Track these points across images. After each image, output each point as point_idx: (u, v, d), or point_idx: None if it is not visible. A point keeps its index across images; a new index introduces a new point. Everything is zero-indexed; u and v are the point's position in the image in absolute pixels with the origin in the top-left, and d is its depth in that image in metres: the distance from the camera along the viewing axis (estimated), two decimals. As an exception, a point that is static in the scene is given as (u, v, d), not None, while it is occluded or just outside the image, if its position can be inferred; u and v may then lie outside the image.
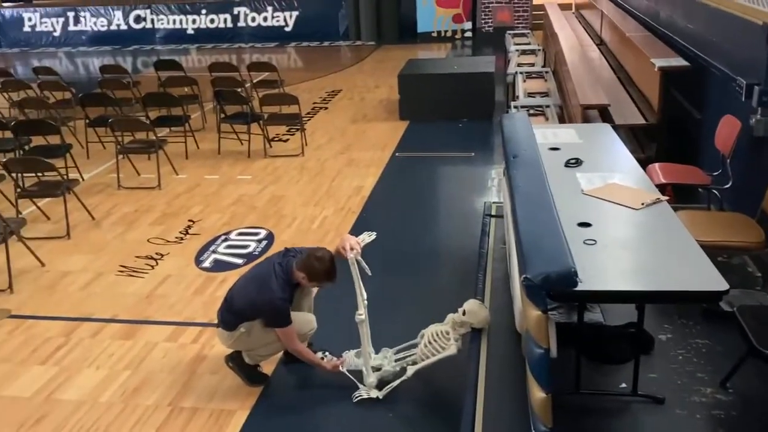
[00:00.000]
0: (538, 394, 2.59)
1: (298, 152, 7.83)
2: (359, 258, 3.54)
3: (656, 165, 4.75)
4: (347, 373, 3.68)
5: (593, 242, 2.81)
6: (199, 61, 14.22)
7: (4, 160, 6.40)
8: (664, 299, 2.93)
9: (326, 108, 9.92)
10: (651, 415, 2.96)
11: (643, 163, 4.18)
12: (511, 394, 3.17)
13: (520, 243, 2.67)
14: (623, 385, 3.11)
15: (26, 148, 7.19)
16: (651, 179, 3.74)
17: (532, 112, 6.22)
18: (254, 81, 9.56)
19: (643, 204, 3.18)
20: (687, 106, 6.28)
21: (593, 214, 3.10)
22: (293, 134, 8.42)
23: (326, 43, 15.49)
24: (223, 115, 8.11)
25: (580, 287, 2.44)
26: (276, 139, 8.31)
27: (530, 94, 7.17)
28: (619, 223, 3.07)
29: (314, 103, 10.13)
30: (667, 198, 3.33)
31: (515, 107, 6.55)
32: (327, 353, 3.82)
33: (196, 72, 10.23)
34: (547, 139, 4.17)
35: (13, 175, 6.12)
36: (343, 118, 9.28)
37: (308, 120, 9.09)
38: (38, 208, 6.30)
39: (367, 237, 3.67)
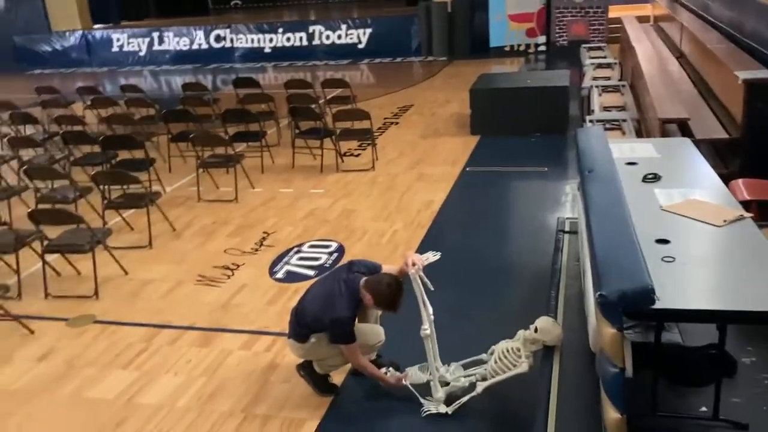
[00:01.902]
0: (612, 415, 2.51)
1: (370, 167, 7.92)
2: (421, 274, 3.55)
3: (740, 181, 4.56)
4: (411, 388, 3.69)
5: (672, 259, 2.73)
6: (276, 78, 14.60)
7: (93, 173, 6.75)
8: (747, 320, 2.80)
9: (397, 123, 10.00)
10: (734, 442, 2.83)
11: (726, 179, 4.02)
12: (584, 414, 3.09)
13: (595, 259, 2.62)
14: (703, 408, 2.98)
15: (113, 162, 7.56)
16: (734, 196, 3.60)
17: (608, 126, 6.09)
18: (328, 97, 9.74)
19: (725, 221, 3.06)
20: (774, 120, 6.00)
21: (672, 230, 3.01)
22: (365, 149, 8.52)
23: (398, 59, 15.63)
24: (297, 131, 8.30)
25: (657, 305, 2.37)
26: (348, 154, 8.43)
27: (606, 108, 7.03)
28: (699, 240, 2.96)
29: (385, 118, 10.23)
30: (751, 215, 3.20)
31: (590, 121, 6.43)
32: (391, 369, 3.83)
33: (272, 89, 10.50)
34: (623, 154, 4.07)
35: (101, 187, 6.44)
36: (414, 133, 9.33)
37: (379, 135, 9.18)
38: (123, 219, 6.60)
39: (432, 256, 3.67)
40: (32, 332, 4.81)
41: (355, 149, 8.64)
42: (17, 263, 5.38)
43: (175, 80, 15.28)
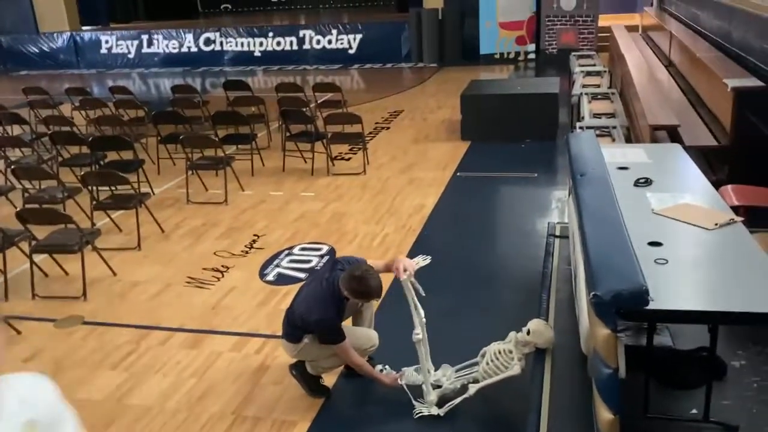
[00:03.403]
0: (605, 415, 2.53)
1: (360, 171, 7.92)
2: (413, 279, 3.55)
3: (729, 187, 4.61)
4: (405, 388, 3.68)
5: (665, 261, 2.75)
6: (266, 82, 14.60)
7: (81, 173, 6.71)
8: (739, 321, 2.82)
9: (388, 128, 10.01)
10: (724, 444, 2.85)
11: (715, 186, 4.06)
12: (576, 416, 3.10)
13: (589, 260, 2.63)
14: (694, 411, 3.00)
15: (101, 162, 7.51)
16: (723, 201, 3.63)
17: (598, 133, 6.13)
18: (319, 101, 9.74)
19: (716, 224, 3.09)
20: (762, 128, 6.08)
21: (664, 233, 3.03)
22: (356, 153, 8.52)
23: (389, 65, 15.67)
24: (288, 134, 8.28)
25: (651, 306, 2.39)
26: (339, 157, 8.43)
27: (596, 115, 7.08)
28: (691, 243, 2.99)
29: (376, 123, 10.24)
30: (742, 219, 3.23)
31: (580, 128, 6.47)
32: (387, 367, 3.83)
33: (262, 92, 10.50)
34: (615, 159, 4.10)
35: (89, 188, 6.40)
36: (405, 137, 9.34)
37: (370, 139, 9.19)
38: (111, 220, 6.55)
39: (422, 261, 3.69)
40: (19, 333, 4.76)
41: (346, 153, 8.64)
42: (4, 263, 5.33)
43: (165, 83, 15.23)
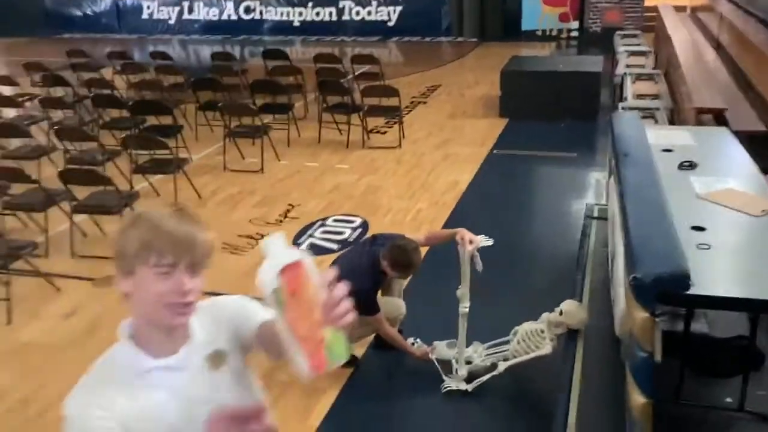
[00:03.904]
0: (638, 399, 2.50)
1: (396, 144, 7.89)
2: (476, 253, 3.52)
3: (776, 174, 4.47)
4: (435, 362, 3.70)
5: (707, 247, 2.68)
6: (304, 52, 14.56)
7: (121, 137, 6.80)
8: (782, 311, 2.76)
9: (425, 102, 9.94)
10: (758, 433, 2.81)
11: (763, 172, 3.95)
12: (607, 399, 3.08)
13: (630, 242, 2.59)
14: (729, 399, 2.96)
15: (141, 127, 7.60)
16: (771, 188, 3.53)
17: (641, 114, 5.98)
18: (356, 73, 9.70)
19: (763, 211, 3.00)
20: (813, 115, 5.88)
21: (708, 218, 2.96)
22: (392, 127, 8.48)
23: (428, 39, 15.49)
24: (324, 105, 8.28)
25: (691, 291, 2.34)
26: (375, 130, 8.40)
27: (639, 96, 6.92)
28: (736, 229, 2.92)
29: (413, 97, 10.17)
30: (790, 207, 3.14)
31: (623, 109, 6.34)
32: (418, 340, 3.85)
33: (301, 63, 10.47)
34: (659, 141, 4.00)
35: (129, 151, 6.49)
36: (442, 113, 9.27)
37: (407, 113, 9.14)
38: (150, 184, 6.64)
39: (485, 240, 3.61)
40: (59, 290, 4.89)
41: (382, 126, 8.60)
42: (46, 222, 5.45)
43: (204, 50, 15.29)
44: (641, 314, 2.40)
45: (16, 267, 4.75)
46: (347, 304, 1.18)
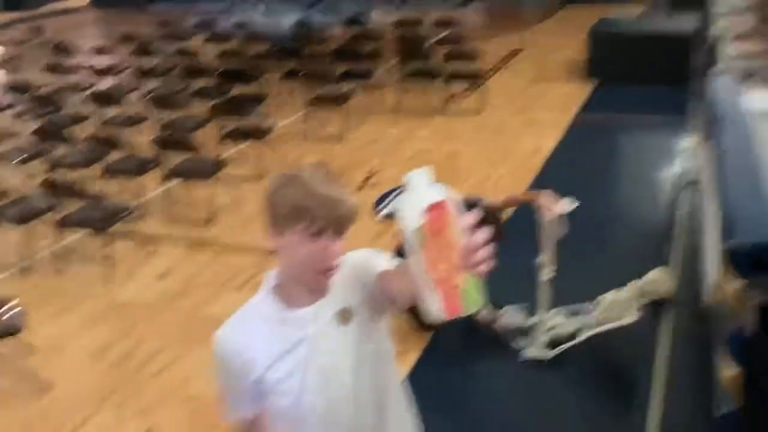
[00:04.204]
0: (729, 371, 2.43)
1: (477, 111, 7.80)
2: (560, 217, 3.45)
3: None
4: (504, 329, 3.69)
5: (808, 215, 2.55)
6: (384, 18, 14.46)
7: (210, 105, 7.02)
8: None
9: (507, 67, 9.74)
10: None
11: None
12: (694, 369, 3.01)
13: (726, 209, 2.50)
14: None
15: (227, 95, 7.81)
16: None
17: (738, 76, 5.67)
18: (437, 38, 9.59)
19: None
20: None
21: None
22: (472, 92, 8.37)
23: (511, 1, 15.06)
24: (405, 71, 8.24)
25: (791, 261, 2.24)
26: (455, 96, 8.32)
27: (737, 57, 6.54)
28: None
29: (495, 62, 9.98)
30: None
31: (719, 71, 6.01)
32: (489, 306, 3.84)
33: (381, 29, 10.45)
34: (757, 104, 3.81)
35: (217, 119, 6.69)
36: (525, 77, 9.07)
37: (488, 78, 8.99)
38: (237, 151, 6.85)
39: (569, 204, 3.52)
40: (154, 252, 5.15)
41: (463, 92, 8.50)
42: (141, 187, 5.73)
43: (286, 18, 15.44)
44: (735, 283, 2.32)
45: (115, 230, 5.03)
46: (488, 250, 1.14)
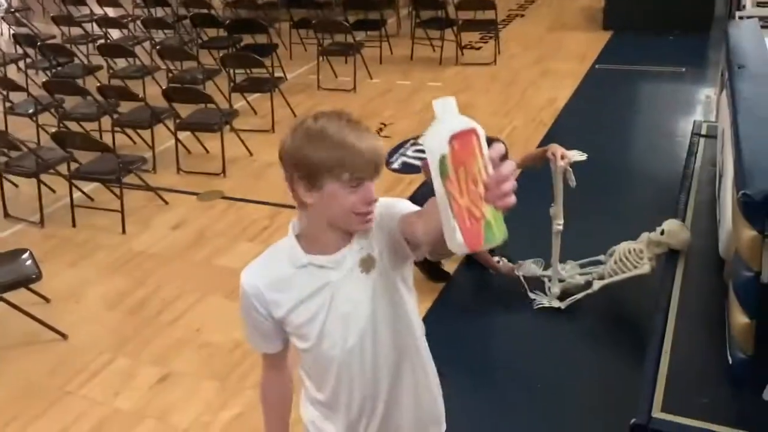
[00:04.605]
0: (740, 319, 2.42)
1: (491, 60, 7.68)
2: (569, 168, 3.42)
3: None
4: (522, 279, 3.70)
5: (828, 164, 2.50)
6: (396, -34, 14.17)
7: (220, 55, 6.95)
8: None
9: (523, 15, 9.54)
10: None
11: None
12: (706, 319, 2.99)
13: (741, 158, 2.44)
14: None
15: (238, 45, 7.72)
16: None
17: (762, 24, 5.50)
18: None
19: None
20: None
21: (831, 134, 2.74)
22: (487, 42, 8.23)
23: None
24: (418, 20, 8.10)
25: (807, 209, 2.21)
26: (469, 46, 8.18)
27: (761, 4, 6.34)
28: None
29: (510, 9, 9.77)
30: None
31: (741, 18, 5.84)
32: (504, 259, 3.85)
33: (394, -24, 10.21)
34: (779, 51, 3.70)
35: (227, 70, 6.63)
36: (541, 26, 8.88)
37: (503, 27, 8.82)
38: (248, 102, 6.80)
39: (578, 155, 3.46)
40: (167, 203, 5.17)
41: (477, 42, 8.36)
42: (152, 139, 5.72)
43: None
44: (749, 232, 2.29)
45: (128, 181, 5.05)
46: (513, 183, 1.10)
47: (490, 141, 1.10)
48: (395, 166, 5.51)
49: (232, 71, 6.75)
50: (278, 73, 7.20)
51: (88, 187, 5.23)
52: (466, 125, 1.12)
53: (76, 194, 5.06)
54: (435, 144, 1.11)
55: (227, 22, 7.88)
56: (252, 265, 1.63)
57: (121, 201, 4.90)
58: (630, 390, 2.66)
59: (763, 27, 5.53)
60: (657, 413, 2.49)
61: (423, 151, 1.20)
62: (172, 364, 3.51)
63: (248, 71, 6.99)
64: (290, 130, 1.49)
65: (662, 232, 3.34)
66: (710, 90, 6.14)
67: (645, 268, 3.34)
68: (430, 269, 3.95)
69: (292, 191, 1.50)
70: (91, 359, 3.58)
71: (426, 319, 3.58)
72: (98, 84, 6.10)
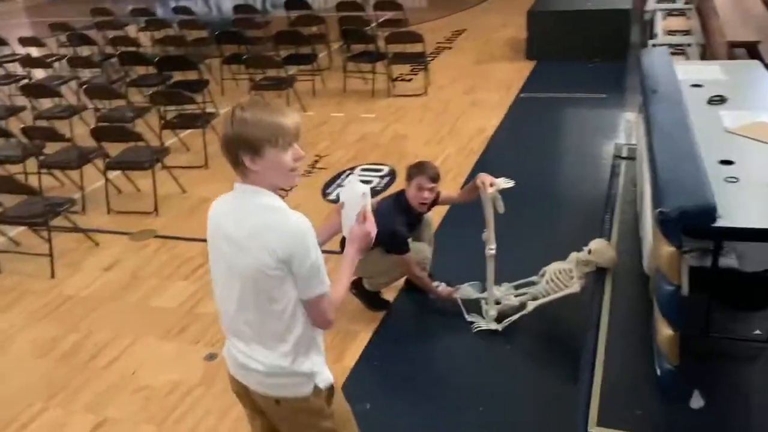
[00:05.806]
0: (665, 331, 2.53)
1: (422, 92, 7.84)
2: (497, 195, 3.53)
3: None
4: (460, 302, 3.77)
5: (735, 180, 2.67)
6: (326, 1, 14.35)
7: (149, 93, 6.87)
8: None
9: (450, 48, 9.80)
10: (786, 365, 2.83)
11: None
12: (635, 334, 3.11)
13: (657, 177, 2.58)
14: (757, 331, 2.97)
15: (168, 83, 7.65)
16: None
17: (672, 51, 5.84)
18: (380, 20, 9.57)
19: (794, 143, 2.96)
20: None
21: (736, 151, 2.92)
22: (417, 74, 8.41)
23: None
24: (349, 54, 8.22)
25: (719, 223, 2.34)
26: (400, 78, 8.34)
27: (670, 32, 6.75)
28: (764, 162, 2.87)
29: (438, 42, 10.03)
30: (822, 139, 3.08)
31: (654, 46, 6.19)
32: (443, 284, 3.93)
33: (323, 12, 10.37)
34: (688, 76, 3.93)
35: (157, 107, 6.56)
36: (468, 57, 9.14)
37: (432, 59, 9.04)
38: (179, 139, 6.74)
39: (504, 183, 3.58)
40: (97, 244, 5.04)
41: (407, 74, 8.53)
42: (81, 179, 5.59)
43: (226, 2, 15.16)
44: (668, 248, 2.41)
45: (56, 224, 4.90)
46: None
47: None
48: (332, 197, 5.54)
49: (162, 108, 6.68)
50: (210, 109, 7.17)
51: (14, 231, 5.05)
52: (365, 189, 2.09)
53: (2, 239, 4.88)
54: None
55: (156, 59, 7.80)
56: (297, 215, 1.94)
57: (50, 244, 4.75)
58: (567, 405, 2.74)
59: (672, 54, 5.88)
60: (593, 428, 2.57)
61: (360, 181, 2.12)
62: (106, 411, 3.40)
63: (180, 108, 6.92)
64: (225, 122, 1.90)
65: (589, 252, 3.47)
66: (631, 114, 6.44)
67: (575, 287, 3.46)
68: (368, 299, 3.97)
69: (238, 166, 1.93)
70: (20, 411, 3.43)
71: (368, 346, 3.64)
72: (22, 125, 5.92)
